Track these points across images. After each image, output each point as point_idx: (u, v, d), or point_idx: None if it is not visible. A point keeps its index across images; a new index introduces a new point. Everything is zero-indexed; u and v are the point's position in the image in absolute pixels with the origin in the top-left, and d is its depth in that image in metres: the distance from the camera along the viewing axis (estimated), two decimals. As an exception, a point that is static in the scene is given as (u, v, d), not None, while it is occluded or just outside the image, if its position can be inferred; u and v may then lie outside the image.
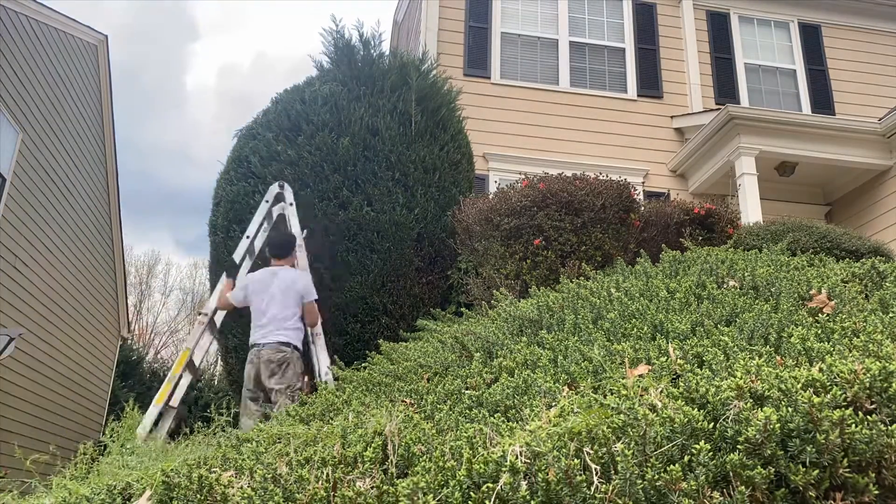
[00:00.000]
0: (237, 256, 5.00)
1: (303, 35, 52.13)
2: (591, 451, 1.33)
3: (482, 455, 1.38)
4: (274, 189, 5.24)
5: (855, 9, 10.22)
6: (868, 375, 1.42)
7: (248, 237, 5.06)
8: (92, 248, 11.33)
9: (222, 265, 5.25)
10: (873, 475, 1.28)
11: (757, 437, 1.28)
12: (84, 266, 11.00)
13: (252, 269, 5.04)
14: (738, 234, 5.38)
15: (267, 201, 5.20)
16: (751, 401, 1.40)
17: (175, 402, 4.60)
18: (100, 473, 2.65)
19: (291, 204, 5.17)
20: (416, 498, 1.31)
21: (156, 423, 4.22)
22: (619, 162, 8.67)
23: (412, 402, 2.32)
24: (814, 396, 1.35)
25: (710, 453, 1.28)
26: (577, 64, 9.34)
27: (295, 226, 5.06)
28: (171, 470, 1.78)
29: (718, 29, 9.89)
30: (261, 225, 5.20)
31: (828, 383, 1.46)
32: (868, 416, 1.32)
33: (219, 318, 5.05)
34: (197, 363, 4.96)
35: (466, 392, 2.21)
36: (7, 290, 8.46)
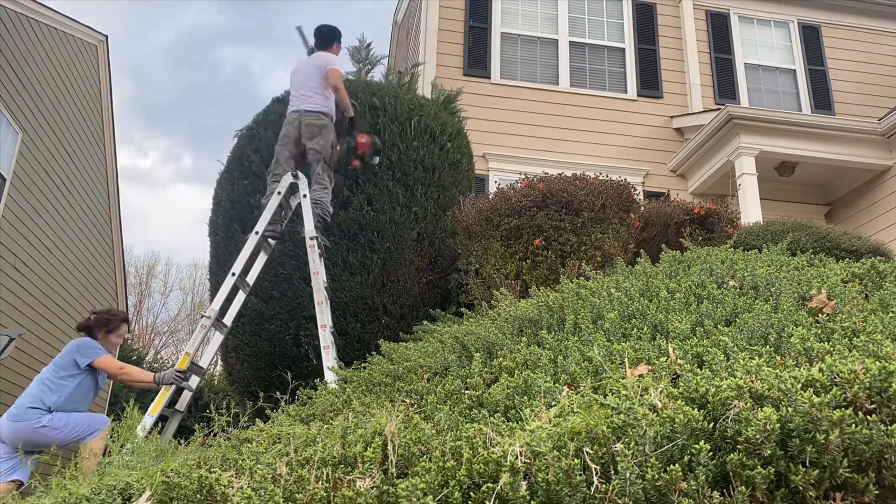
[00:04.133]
0: (242, 256, 4.72)
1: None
2: (591, 451, 1.33)
3: (482, 455, 1.38)
4: (287, 179, 4.97)
5: (855, 9, 10.22)
6: (868, 375, 1.42)
7: (256, 233, 4.77)
8: (92, 248, 11.33)
9: (222, 266, 5.25)
10: (873, 475, 1.28)
11: (757, 437, 1.28)
12: (84, 266, 11.00)
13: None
14: (738, 234, 5.38)
15: (279, 193, 4.91)
16: (751, 401, 1.40)
17: (182, 405, 4.55)
18: (100, 474, 2.65)
19: (306, 196, 4.90)
20: (415, 498, 1.31)
21: (157, 425, 4.20)
22: (619, 162, 8.68)
23: (412, 402, 2.32)
24: (814, 396, 1.35)
25: (710, 453, 1.28)
26: (577, 64, 9.34)
27: (309, 221, 4.79)
28: (171, 470, 1.78)
29: (718, 29, 9.89)
30: (273, 217, 4.91)
31: (828, 383, 1.46)
32: (868, 416, 1.32)
33: (228, 317, 4.90)
34: (205, 365, 4.94)
35: (466, 392, 2.21)
36: (7, 290, 8.46)
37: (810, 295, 2.66)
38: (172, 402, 4.48)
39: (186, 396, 4.64)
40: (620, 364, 2.03)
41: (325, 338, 4.42)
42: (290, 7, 52.20)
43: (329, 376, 4.05)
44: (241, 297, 4.95)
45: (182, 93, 48.41)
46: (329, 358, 4.32)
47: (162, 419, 4.33)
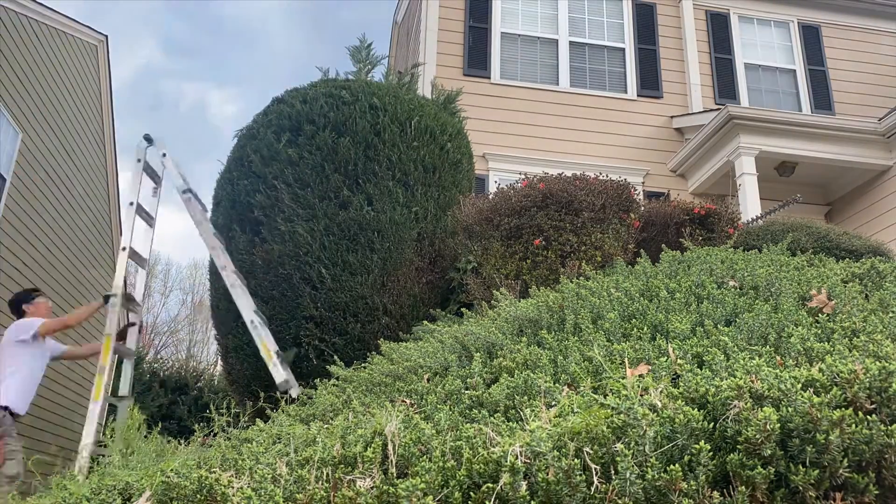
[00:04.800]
0: (124, 237, 4.74)
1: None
2: (591, 451, 1.33)
3: (482, 455, 1.38)
4: (142, 145, 4.90)
5: (855, 9, 10.22)
6: (868, 375, 1.42)
7: (130, 204, 4.83)
8: (92, 248, 11.33)
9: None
10: (873, 475, 1.28)
11: (757, 437, 1.28)
12: (84, 266, 11.00)
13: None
14: (739, 234, 5.38)
15: (139, 160, 4.89)
16: (751, 401, 1.40)
17: (125, 390, 4.67)
18: (100, 474, 2.65)
19: (164, 154, 4.88)
20: (415, 498, 1.31)
21: (112, 415, 4.25)
22: (619, 162, 8.68)
23: (412, 402, 2.32)
24: (814, 396, 1.35)
25: (710, 453, 1.28)
26: (577, 64, 9.34)
27: (177, 177, 4.79)
28: (171, 470, 1.78)
29: (718, 29, 9.89)
30: (144, 185, 4.92)
31: (828, 383, 1.46)
32: (868, 416, 1.32)
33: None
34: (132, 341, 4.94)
35: (466, 392, 2.21)
36: (7, 290, 8.45)
37: (810, 295, 2.66)
38: (115, 391, 4.65)
39: (126, 377, 4.74)
40: (620, 364, 2.03)
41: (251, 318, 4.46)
42: (236, 46, 51.32)
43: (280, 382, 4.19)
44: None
45: (141, 125, 47.99)
46: (271, 364, 4.32)
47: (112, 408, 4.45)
